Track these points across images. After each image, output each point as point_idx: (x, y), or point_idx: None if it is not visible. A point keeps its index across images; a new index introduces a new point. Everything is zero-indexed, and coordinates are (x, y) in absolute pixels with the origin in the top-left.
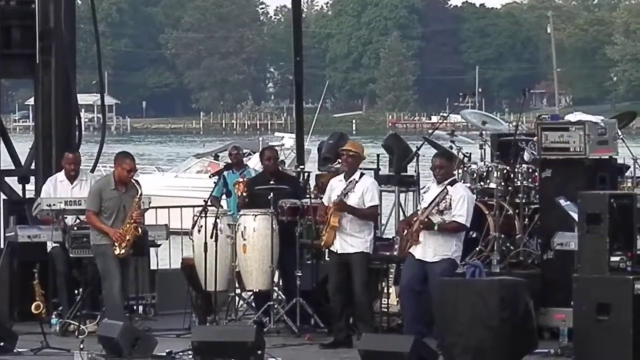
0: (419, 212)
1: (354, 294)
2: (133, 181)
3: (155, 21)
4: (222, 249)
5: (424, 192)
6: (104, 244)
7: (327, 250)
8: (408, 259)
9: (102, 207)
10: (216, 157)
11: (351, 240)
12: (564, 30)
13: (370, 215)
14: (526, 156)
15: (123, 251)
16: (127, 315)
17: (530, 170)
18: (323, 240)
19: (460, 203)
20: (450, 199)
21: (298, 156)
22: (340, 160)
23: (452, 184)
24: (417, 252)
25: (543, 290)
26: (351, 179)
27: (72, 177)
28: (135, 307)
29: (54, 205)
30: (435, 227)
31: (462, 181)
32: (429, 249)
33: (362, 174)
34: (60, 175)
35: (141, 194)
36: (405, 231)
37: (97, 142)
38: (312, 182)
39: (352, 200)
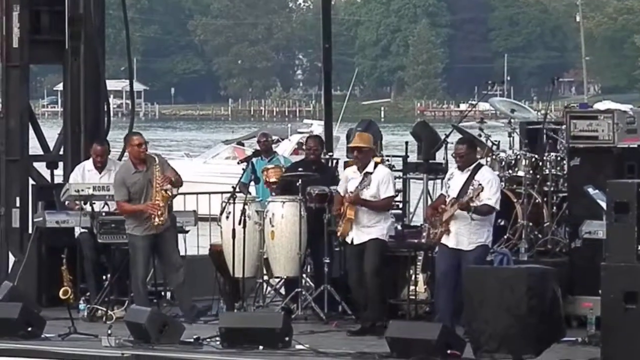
0: (447, 200)
1: (366, 280)
2: (151, 156)
3: (184, 7)
4: (250, 235)
5: (449, 179)
6: (133, 234)
7: (342, 241)
8: (441, 249)
9: (130, 193)
10: (240, 143)
11: (367, 231)
12: (593, 19)
13: (385, 206)
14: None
15: (162, 219)
16: (154, 301)
17: (559, 158)
18: (339, 231)
19: (489, 188)
20: (479, 184)
21: (327, 143)
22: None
23: (477, 168)
24: (451, 241)
25: (571, 278)
26: (365, 171)
27: (99, 168)
28: (163, 293)
29: (82, 190)
30: (471, 212)
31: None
32: (463, 238)
33: (376, 164)
34: (89, 165)
35: (159, 163)
36: (435, 218)
37: (126, 128)
38: (341, 169)
39: (369, 192)
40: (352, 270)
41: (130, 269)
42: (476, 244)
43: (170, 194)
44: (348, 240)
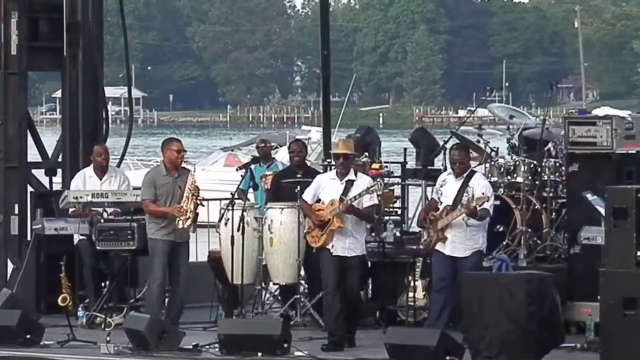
0: (439, 207)
1: (349, 296)
2: (186, 168)
3: (182, 14)
4: (249, 242)
5: (441, 186)
6: (153, 238)
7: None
8: (436, 256)
9: (157, 194)
10: (232, 149)
11: (351, 243)
12: (591, 25)
13: (373, 215)
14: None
15: (188, 223)
16: (164, 312)
17: (558, 164)
18: (320, 241)
19: (484, 192)
20: (473, 190)
21: (325, 150)
22: (366, 154)
23: (471, 175)
24: (447, 249)
25: (570, 284)
26: (347, 178)
27: (101, 170)
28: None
29: (81, 197)
30: (477, 217)
31: (489, 175)
32: (459, 245)
33: (356, 172)
34: (89, 171)
35: (193, 172)
36: (428, 224)
37: (124, 135)
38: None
39: (356, 201)
40: (329, 277)
41: (148, 274)
42: (472, 250)
43: (202, 204)
44: (329, 248)
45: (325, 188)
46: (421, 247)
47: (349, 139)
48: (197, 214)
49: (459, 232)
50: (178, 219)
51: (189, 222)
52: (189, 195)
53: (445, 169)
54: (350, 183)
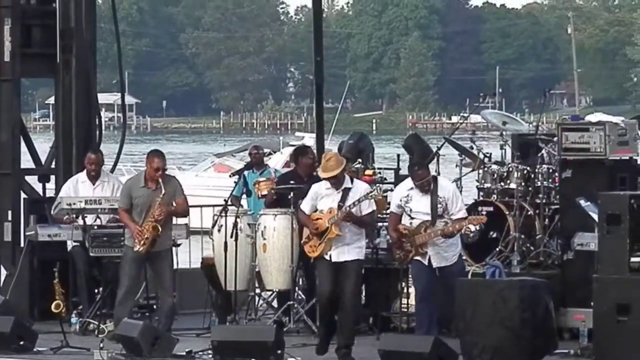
0: (413, 222)
1: (344, 301)
2: (168, 180)
3: (175, 21)
4: (242, 248)
5: (405, 202)
6: (127, 245)
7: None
8: (417, 265)
9: (133, 204)
10: (219, 155)
11: (349, 249)
12: (584, 31)
13: (373, 221)
14: (545, 156)
15: (141, 248)
16: (146, 315)
17: (551, 170)
18: (319, 250)
19: (455, 199)
20: (445, 200)
21: (318, 156)
22: (359, 161)
23: (435, 184)
24: (428, 261)
25: (563, 290)
26: (343, 187)
27: (93, 178)
28: (155, 307)
29: (74, 204)
30: (457, 234)
31: (483, 181)
32: (441, 256)
33: (352, 179)
34: (82, 176)
35: (165, 194)
36: (402, 241)
37: (118, 142)
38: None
39: (354, 209)
40: (325, 284)
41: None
42: (456, 254)
43: (157, 231)
44: (325, 256)
45: (323, 197)
46: (395, 263)
47: (332, 152)
48: (154, 240)
49: (440, 244)
50: (136, 240)
51: (142, 248)
52: (151, 220)
53: (439, 173)
54: (347, 191)
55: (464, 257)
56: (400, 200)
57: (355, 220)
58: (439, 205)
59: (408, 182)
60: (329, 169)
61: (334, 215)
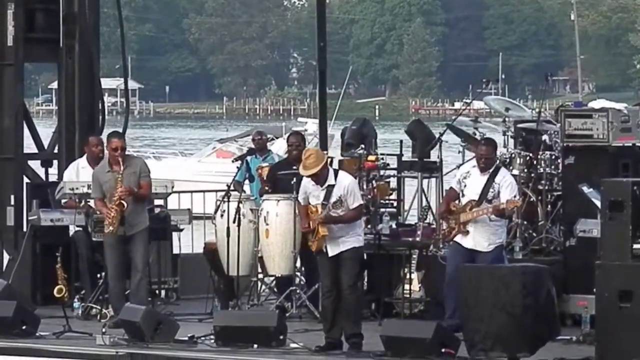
0: (461, 199)
1: (343, 293)
2: (132, 160)
3: (178, 6)
4: (245, 233)
5: (464, 178)
6: (105, 232)
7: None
8: (454, 248)
9: (103, 191)
10: (220, 141)
11: (343, 240)
12: (587, 17)
13: (358, 216)
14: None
15: (112, 228)
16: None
17: (553, 157)
18: (314, 246)
19: (510, 189)
20: (499, 187)
21: (321, 142)
22: (362, 146)
23: (496, 170)
24: (468, 242)
25: (565, 277)
26: (327, 184)
27: (95, 161)
28: (157, 292)
29: (77, 189)
30: (505, 217)
31: None
32: (482, 239)
33: (336, 175)
34: (82, 162)
35: (124, 171)
36: (448, 215)
37: (121, 127)
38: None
39: (340, 208)
40: (325, 277)
41: None
42: (495, 244)
43: (122, 207)
44: (324, 250)
45: (311, 193)
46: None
47: (312, 149)
48: (121, 218)
49: (483, 227)
50: (106, 222)
51: (112, 228)
52: (115, 198)
53: (440, 161)
54: (330, 188)
55: None
56: (461, 176)
57: (335, 221)
58: (491, 190)
59: (473, 161)
60: (308, 167)
61: (319, 215)
